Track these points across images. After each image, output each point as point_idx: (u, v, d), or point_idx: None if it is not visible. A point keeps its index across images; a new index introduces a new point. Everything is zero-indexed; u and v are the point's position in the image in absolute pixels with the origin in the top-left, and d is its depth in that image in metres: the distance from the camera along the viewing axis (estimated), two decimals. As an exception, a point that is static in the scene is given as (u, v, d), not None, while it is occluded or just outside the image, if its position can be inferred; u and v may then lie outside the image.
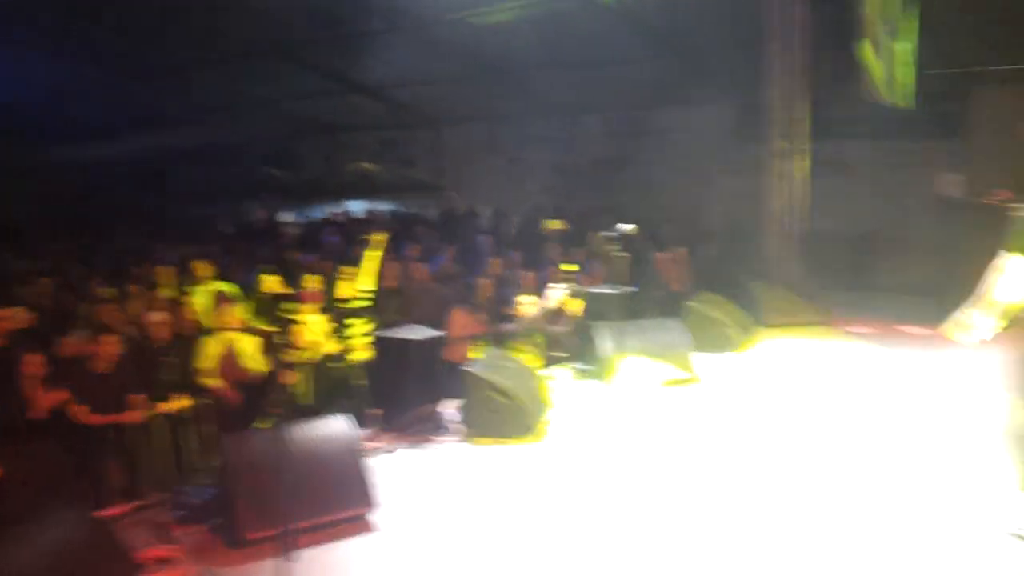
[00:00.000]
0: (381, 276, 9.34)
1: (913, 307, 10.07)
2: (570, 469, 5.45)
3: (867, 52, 9.89)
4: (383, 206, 17.98)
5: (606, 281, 9.37)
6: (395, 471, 5.56)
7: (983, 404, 6.38)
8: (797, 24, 10.47)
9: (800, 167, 10.75)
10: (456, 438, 6.17)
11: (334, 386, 7.53)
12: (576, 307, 7.90)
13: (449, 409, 6.52)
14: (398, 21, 12.88)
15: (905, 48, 10.54)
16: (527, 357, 7.56)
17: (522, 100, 15.86)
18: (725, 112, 14.30)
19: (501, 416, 6.02)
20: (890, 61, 10.27)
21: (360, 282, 8.56)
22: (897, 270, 12.06)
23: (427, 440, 6.16)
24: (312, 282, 8.23)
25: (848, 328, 9.47)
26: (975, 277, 8.91)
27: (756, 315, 9.39)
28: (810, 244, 10.96)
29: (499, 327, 8.17)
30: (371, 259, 8.84)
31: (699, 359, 7.71)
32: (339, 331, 8.01)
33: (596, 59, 13.92)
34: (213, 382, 6.58)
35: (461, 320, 8.20)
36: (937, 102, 12.56)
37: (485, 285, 8.88)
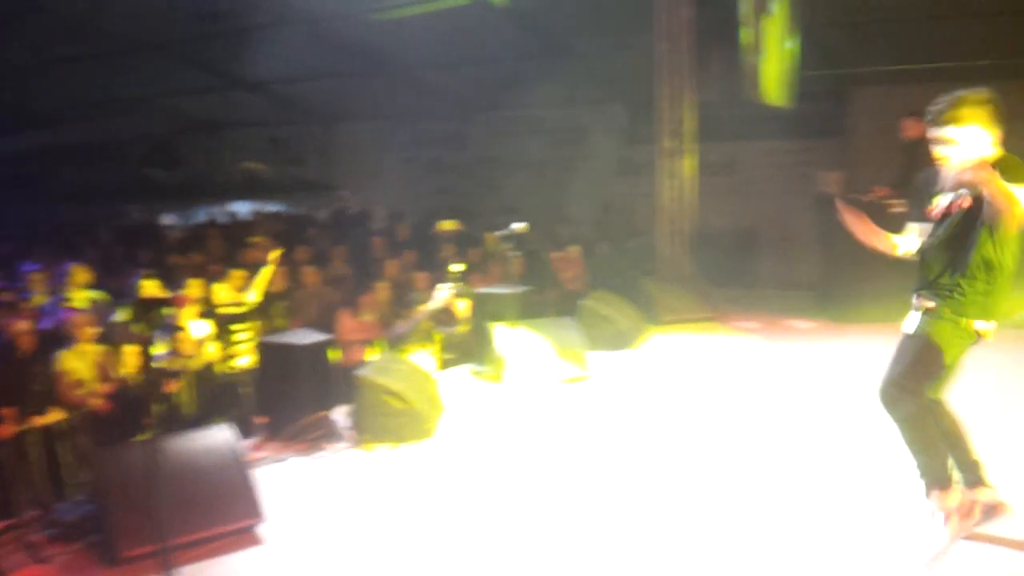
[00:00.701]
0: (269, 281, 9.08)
1: (797, 302, 10.40)
2: (465, 471, 5.36)
3: (750, 54, 10.13)
4: (271, 207, 17.51)
5: (501, 281, 9.33)
6: (283, 480, 5.35)
7: (865, 394, 6.59)
8: (684, 25, 10.65)
9: (689, 167, 10.95)
10: (347, 444, 5.98)
11: (218, 394, 7.26)
12: (464, 307, 7.82)
13: (340, 415, 6.33)
14: (286, 16, 12.55)
15: (786, 50, 10.85)
16: (420, 359, 7.44)
17: (416, 98, 15.72)
18: (618, 112, 14.48)
19: (394, 420, 5.87)
20: (772, 63, 10.56)
21: (249, 292, 8.29)
22: (782, 266, 12.44)
23: (317, 448, 5.96)
24: (194, 287, 7.91)
25: (737, 323, 9.67)
26: (855, 272, 9.28)
27: (649, 312, 9.49)
28: (700, 242, 11.18)
29: (392, 329, 8.02)
30: (265, 273, 8.59)
31: (594, 357, 7.73)
32: (223, 337, 7.73)
33: (489, 58, 13.90)
34: (87, 393, 6.23)
35: (351, 323, 8.02)
36: (819, 103, 13.02)
37: (379, 287, 8.71)
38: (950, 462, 3.89)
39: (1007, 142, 3.78)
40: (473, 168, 16.24)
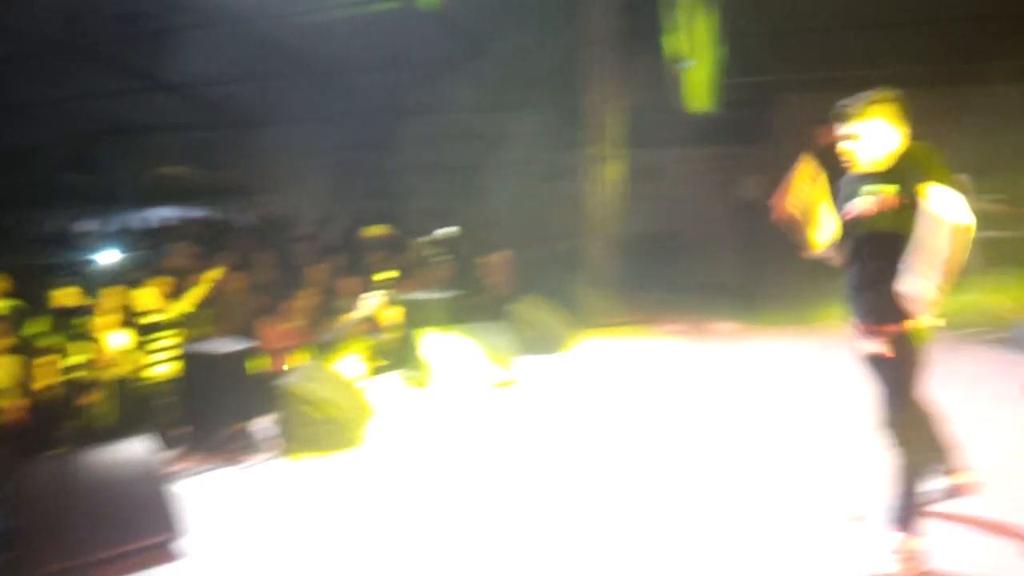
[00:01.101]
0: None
1: (721, 304, 10.59)
2: (393, 478, 5.31)
3: (675, 61, 10.30)
4: (195, 212, 17.12)
5: (429, 286, 9.29)
6: (207, 493, 5.23)
7: (794, 393, 6.75)
8: (610, 32, 10.75)
9: (615, 172, 11.05)
10: (273, 454, 5.87)
11: (139, 405, 7.05)
12: (393, 314, 7.75)
13: (265, 424, 6.20)
14: (208, 17, 12.29)
15: (711, 58, 11.05)
16: (348, 366, 7.35)
17: (345, 102, 15.56)
18: (547, 117, 14.55)
19: (320, 429, 5.78)
20: (697, 70, 10.75)
21: (179, 306, 8.08)
22: (706, 270, 12.64)
23: (241, 458, 5.83)
24: (112, 295, 7.69)
25: (663, 326, 9.80)
26: (775, 276, 9.50)
27: (577, 316, 9.56)
28: (626, 246, 11.30)
29: (319, 336, 7.90)
30: (199, 290, 8.38)
31: (522, 361, 7.75)
32: (144, 346, 7.52)
33: (417, 62, 13.85)
34: (2, 405, 5.99)
35: (276, 331, 7.88)
36: (742, 109, 13.28)
37: (304, 294, 8.58)
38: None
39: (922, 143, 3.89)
40: (401, 173, 16.13)
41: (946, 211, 3.48)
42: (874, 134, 3.81)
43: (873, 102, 3.83)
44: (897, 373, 3.76)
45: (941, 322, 3.74)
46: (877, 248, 3.82)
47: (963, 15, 10.79)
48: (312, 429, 5.77)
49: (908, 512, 3.72)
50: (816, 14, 11.40)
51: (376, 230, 12.05)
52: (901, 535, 3.71)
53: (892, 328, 3.75)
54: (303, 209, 15.58)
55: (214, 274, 8.42)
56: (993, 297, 8.59)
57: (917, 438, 3.79)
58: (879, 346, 3.82)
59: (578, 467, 5.35)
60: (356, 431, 5.94)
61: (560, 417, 6.43)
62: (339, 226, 14.09)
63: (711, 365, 7.90)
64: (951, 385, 5.89)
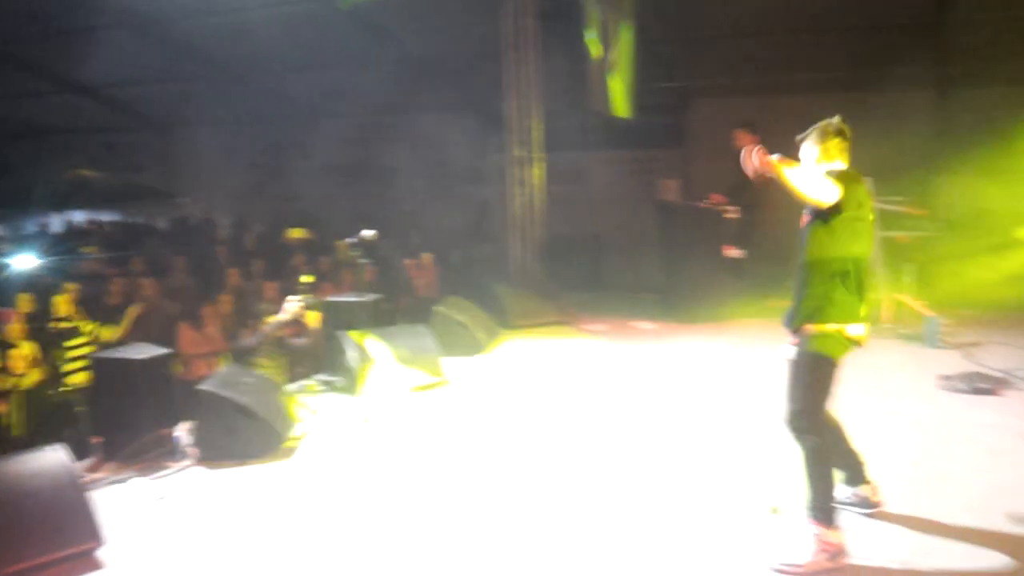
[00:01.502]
0: (107, 294, 8.65)
1: (641, 304, 10.79)
2: (317, 485, 5.26)
3: (595, 66, 10.45)
4: (108, 216, 16.65)
5: (352, 289, 9.23)
6: (124, 502, 5.10)
7: (713, 390, 6.92)
8: (530, 36, 10.85)
9: (537, 174, 11.16)
10: (191, 462, 5.75)
11: (51, 414, 6.86)
12: (314, 318, 7.67)
13: (183, 432, 6.08)
14: (121, 17, 11.99)
15: (629, 64, 11.26)
16: (269, 372, 7.27)
17: (262, 103, 15.34)
18: (470, 120, 14.58)
19: (242, 436, 5.70)
20: (616, 75, 10.92)
21: (109, 334, 7.87)
22: (627, 270, 12.85)
23: (159, 467, 5.70)
24: (24, 302, 7.46)
25: (586, 326, 9.93)
26: (692, 275, 9.71)
27: (502, 317, 9.63)
28: (549, 248, 11.41)
29: (238, 342, 7.79)
30: (130, 313, 8.18)
31: (448, 363, 7.76)
32: (56, 354, 7.32)
33: (336, 63, 13.74)
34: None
35: (193, 336, 7.75)
36: (659, 114, 13.56)
37: (222, 298, 8.45)
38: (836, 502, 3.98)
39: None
40: (322, 175, 15.98)
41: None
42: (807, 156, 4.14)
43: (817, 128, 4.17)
44: (803, 376, 3.99)
45: (856, 331, 3.97)
46: (802, 258, 4.07)
47: (864, 24, 11.24)
48: (235, 436, 5.68)
49: (822, 506, 3.89)
50: (728, 22, 11.72)
51: (296, 233, 11.92)
52: (819, 528, 3.88)
53: (802, 332, 4.01)
54: (220, 212, 15.29)
55: (135, 310, 8.22)
56: (900, 295, 8.94)
57: (824, 439, 3.96)
58: (792, 347, 4.07)
59: (507, 467, 5.39)
60: (281, 439, 5.88)
61: (487, 418, 6.46)
62: (257, 229, 13.89)
63: (633, 364, 8.04)
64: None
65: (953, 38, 11.07)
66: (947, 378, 6.79)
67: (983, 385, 6.58)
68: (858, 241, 3.99)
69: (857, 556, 3.92)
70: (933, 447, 4.75)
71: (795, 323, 4.09)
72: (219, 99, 15.25)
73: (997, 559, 3.86)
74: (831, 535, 3.87)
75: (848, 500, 4.35)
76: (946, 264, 9.58)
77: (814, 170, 3.97)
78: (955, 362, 7.43)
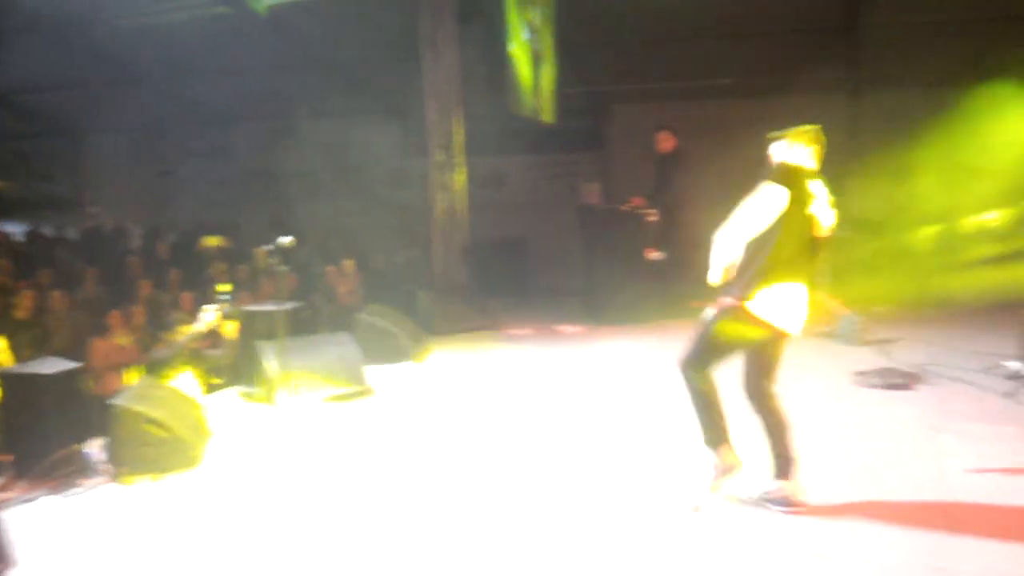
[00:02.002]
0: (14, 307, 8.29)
1: (566, 307, 10.83)
2: (236, 500, 5.11)
3: (515, 71, 10.47)
4: (13, 227, 15.96)
5: (271, 298, 9.02)
6: (35, 522, 4.87)
7: (639, 390, 6.97)
8: (449, 40, 10.80)
9: (459, 179, 11.11)
10: (105, 479, 5.54)
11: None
12: (231, 328, 7.47)
13: (95, 448, 5.84)
14: (27, 21, 11.53)
15: (548, 68, 11.31)
16: (185, 384, 7.05)
17: (174, 109, 14.96)
18: (390, 124, 14.45)
19: (156, 450, 5.50)
20: (536, 80, 10.96)
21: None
22: (551, 274, 12.90)
23: (71, 484, 5.47)
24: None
25: (510, 331, 9.92)
26: (614, 278, 9.80)
27: (426, 324, 9.54)
28: (473, 252, 11.37)
29: (152, 354, 7.54)
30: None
31: (372, 371, 7.66)
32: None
33: (252, 68, 13.48)
34: None
35: (105, 349, 7.48)
36: (581, 118, 13.67)
37: (135, 310, 8.18)
38: (727, 424, 4.49)
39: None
40: (238, 181, 15.64)
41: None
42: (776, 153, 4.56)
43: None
44: (706, 328, 4.51)
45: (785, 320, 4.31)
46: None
47: (779, 29, 11.52)
48: (147, 451, 5.48)
49: (713, 431, 4.47)
50: (647, 27, 11.88)
51: (212, 241, 11.62)
52: (715, 449, 4.46)
53: (727, 301, 4.45)
54: (132, 221, 14.83)
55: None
56: (818, 293, 9.15)
57: (709, 383, 4.48)
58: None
59: (431, 474, 5.33)
60: (195, 451, 5.69)
61: (411, 426, 6.39)
62: (171, 238, 13.51)
63: (557, 367, 8.06)
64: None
65: (865, 42, 11.43)
66: (862, 374, 6.98)
67: (897, 380, 6.78)
68: (792, 232, 4.30)
69: (774, 550, 3.98)
70: (850, 441, 4.87)
71: (724, 291, 4.49)
72: (130, 105, 14.81)
73: (913, 550, 3.95)
74: (725, 454, 4.45)
75: (772, 494, 4.47)
76: (860, 263, 9.84)
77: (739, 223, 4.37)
78: (870, 358, 7.64)
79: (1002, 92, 9.61)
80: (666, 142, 10.19)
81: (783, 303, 4.33)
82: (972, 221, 10.13)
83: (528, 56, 10.81)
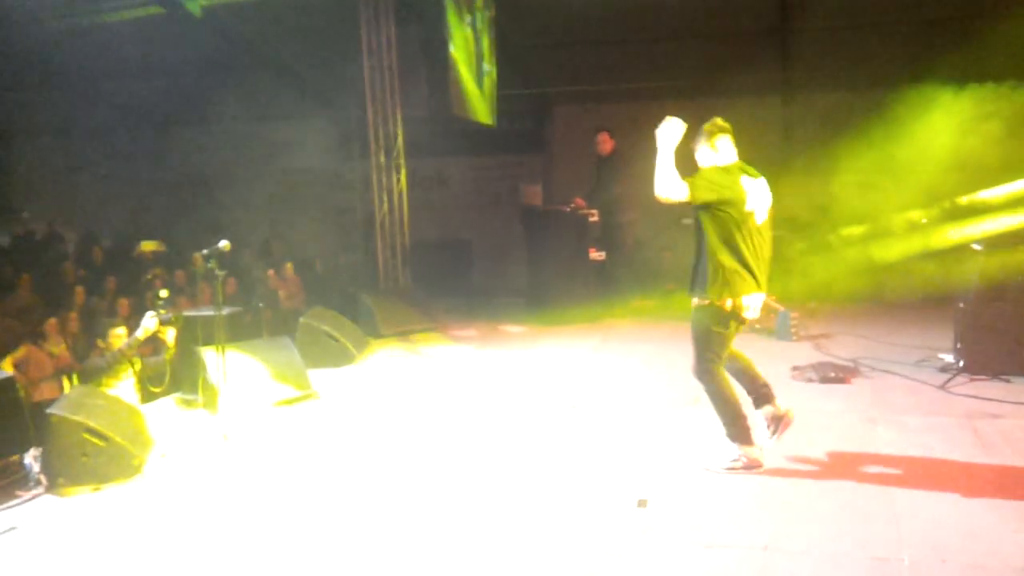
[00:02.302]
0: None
1: (510, 308, 10.87)
2: (179, 509, 5.03)
3: (455, 72, 10.49)
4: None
5: (211, 302, 8.89)
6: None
7: (582, 387, 7.03)
8: (388, 42, 10.78)
9: (400, 181, 11.09)
10: (42, 490, 5.40)
11: None
12: (171, 334, 7.34)
13: (31, 458, 5.69)
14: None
15: (489, 70, 11.35)
16: (123, 391, 6.92)
17: (109, 112, 14.64)
18: (332, 126, 14.35)
19: (94, 460, 5.39)
20: (476, 82, 11.00)
21: None
22: (495, 274, 12.94)
23: (9, 496, 5.33)
24: None
25: (455, 332, 9.92)
26: (557, 279, 9.88)
27: (369, 326, 9.50)
28: (416, 254, 11.36)
29: (88, 362, 7.37)
30: None
31: (316, 375, 7.60)
32: None
33: (188, 70, 13.28)
34: None
35: (40, 357, 7.30)
36: (522, 120, 13.75)
37: (70, 317, 8.00)
38: (748, 422, 4.88)
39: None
40: (175, 185, 15.36)
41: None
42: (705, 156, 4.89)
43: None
44: (695, 335, 4.89)
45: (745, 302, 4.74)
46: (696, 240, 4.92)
47: (715, 32, 11.74)
48: (86, 461, 5.37)
49: (737, 430, 4.84)
50: (586, 29, 12.00)
51: (149, 246, 11.42)
52: (738, 447, 4.82)
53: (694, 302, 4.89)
54: (67, 227, 14.48)
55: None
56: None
57: (721, 383, 4.86)
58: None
59: (376, 477, 5.32)
60: (135, 461, 5.59)
61: (356, 430, 6.36)
62: (106, 243, 13.23)
63: (502, 367, 8.09)
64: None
65: (797, 45, 11.69)
66: (799, 369, 7.14)
67: (833, 374, 6.96)
68: (725, 228, 4.68)
69: (714, 543, 4.06)
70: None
71: (691, 293, 4.91)
72: (62, 108, 14.47)
73: (852, 539, 4.06)
74: (749, 450, 4.83)
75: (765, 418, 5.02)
76: (794, 260, 10.07)
77: (668, 172, 4.68)
78: (806, 353, 7.83)
79: (931, 94, 9.90)
80: (605, 144, 10.31)
81: (742, 294, 4.75)
82: (901, 218, 10.43)
83: (468, 58, 10.84)
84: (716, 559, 3.94)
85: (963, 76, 9.72)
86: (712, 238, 4.72)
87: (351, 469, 5.50)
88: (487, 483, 5.08)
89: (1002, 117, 9.26)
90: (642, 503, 4.57)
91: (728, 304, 4.73)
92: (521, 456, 5.52)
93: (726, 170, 4.77)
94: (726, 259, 4.69)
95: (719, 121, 4.88)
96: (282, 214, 14.40)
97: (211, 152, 15.17)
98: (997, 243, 7.02)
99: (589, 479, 5.02)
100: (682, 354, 5.06)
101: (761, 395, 5.05)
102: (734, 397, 4.90)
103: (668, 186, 4.64)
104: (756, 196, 4.74)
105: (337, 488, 5.16)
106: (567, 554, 4.08)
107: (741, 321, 4.84)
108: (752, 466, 4.83)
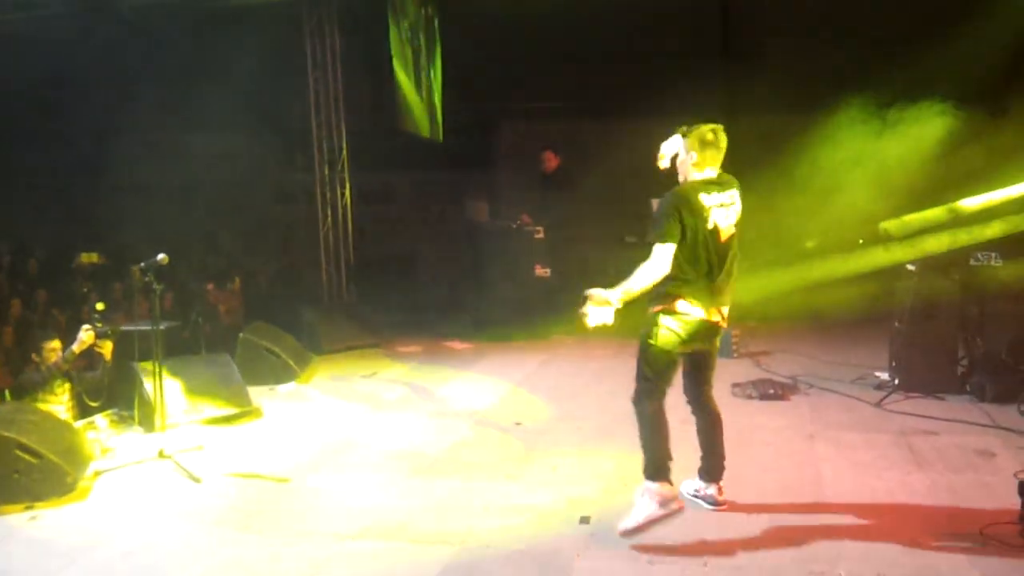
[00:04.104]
0: None
1: (455, 324, 10.82)
2: (116, 527, 4.89)
3: (399, 87, 10.49)
4: None
5: (147, 317, 8.69)
6: None
7: (526, 403, 7.04)
8: (332, 55, 10.73)
9: (345, 195, 11.02)
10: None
11: None
12: (107, 348, 7.15)
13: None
14: None
15: (434, 85, 11.37)
16: (57, 407, 6.73)
17: (43, 121, 14.29)
18: (275, 138, 14.20)
19: (27, 477, 5.21)
20: (421, 97, 11.01)
21: None
22: (440, 290, 12.91)
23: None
24: None
25: (400, 348, 9.86)
26: (503, 296, 9.88)
27: (312, 342, 9.38)
28: (360, 268, 11.28)
29: (21, 377, 7.15)
30: None
31: (256, 392, 7.47)
32: None
33: (128, 80, 13.05)
34: None
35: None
36: (468, 135, 13.77)
37: (4, 331, 7.76)
38: (670, 461, 4.44)
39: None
40: (111, 195, 15.00)
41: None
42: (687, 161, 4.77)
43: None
44: (639, 358, 4.53)
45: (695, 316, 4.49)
46: None
47: (658, 51, 11.93)
48: (18, 478, 5.19)
49: (656, 464, 4.37)
50: (533, 47, 12.10)
51: (86, 258, 11.14)
52: (653, 483, 4.34)
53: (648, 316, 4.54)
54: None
55: None
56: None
57: (653, 415, 4.44)
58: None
59: (314, 494, 5.26)
60: (70, 478, 5.42)
61: (296, 447, 6.27)
62: (40, 255, 12.88)
63: (447, 383, 8.06)
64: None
65: (737, 66, 11.92)
66: (739, 385, 7.25)
67: (772, 391, 7.08)
68: (685, 246, 4.46)
69: (655, 559, 4.09)
70: (727, 450, 5.03)
71: (647, 306, 4.54)
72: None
73: (791, 553, 4.13)
74: (662, 488, 4.33)
75: (697, 494, 4.74)
76: (736, 279, 10.19)
77: (643, 270, 4.42)
78: (746, 370, 7.96)
79: (867, 114, 10.13)
80: (550, 161, 10.39)
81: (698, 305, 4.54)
82: (839, 238, 10.65)
83: (412, 73, 10.84)
84: (658, 574, 3.96)
85: (904, 96, 9.97)
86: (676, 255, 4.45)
87: (287, 488, 5.42)
88: (427, 500, 5.05)
89: (942, 137, 9.50)
90: (585, 519, 4.59)
91: (673, 321, 4.43)
92: (463, 473, 5.51)
93: (691, 187, 4.65)
94: (676, 274, 4.44)
95: (716, 133, 4.89)
96: (222, 227, 14.18)
97: (148, 162, 14.86)
98: (930, 264, 7.21)
99: (531, 494, 5.02)
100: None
101: (714, 471, 4.76)
102: (665, 430, 4.48)
103: (652, 277, 4.42)
104: (718, 211, 4.65)
105: (271, 508, 5.08)
106: (510, 571, 4.07)
107: (692, 340, 4.54)
108: (670, 500, 4.37)
